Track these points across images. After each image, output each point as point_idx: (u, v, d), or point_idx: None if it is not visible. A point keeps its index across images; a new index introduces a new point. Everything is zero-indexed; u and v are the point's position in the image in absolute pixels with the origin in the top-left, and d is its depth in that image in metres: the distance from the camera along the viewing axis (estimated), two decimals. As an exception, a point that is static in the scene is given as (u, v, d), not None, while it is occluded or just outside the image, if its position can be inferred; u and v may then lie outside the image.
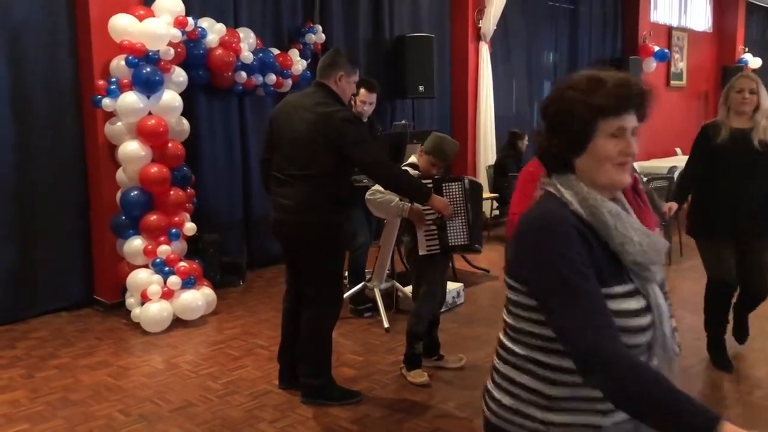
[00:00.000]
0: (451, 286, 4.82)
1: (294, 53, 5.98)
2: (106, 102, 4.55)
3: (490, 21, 7.72)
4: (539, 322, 1.35)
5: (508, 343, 1.45)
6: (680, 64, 11.30)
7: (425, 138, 3.65)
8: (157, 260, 4.54)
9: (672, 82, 11.02)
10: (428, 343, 3.77)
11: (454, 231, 3.50)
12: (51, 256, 4.78)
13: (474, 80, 7.90)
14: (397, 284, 4.78)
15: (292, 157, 3.21)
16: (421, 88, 6.89)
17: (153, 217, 4.60)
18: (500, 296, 4.46)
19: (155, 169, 4.57)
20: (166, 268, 4.54)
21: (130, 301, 4.62)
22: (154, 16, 4.66)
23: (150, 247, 4.56)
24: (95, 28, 4.68)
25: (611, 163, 1.37)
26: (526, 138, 7.48)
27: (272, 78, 5.66)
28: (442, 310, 3.92)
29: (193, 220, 4.89)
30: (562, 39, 9.36)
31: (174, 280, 4.50)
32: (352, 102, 4.58)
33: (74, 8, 4.79)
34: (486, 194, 6.95)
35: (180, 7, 4.77)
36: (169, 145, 4.67)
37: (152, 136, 4.56)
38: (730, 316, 3.81)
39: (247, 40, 5.48)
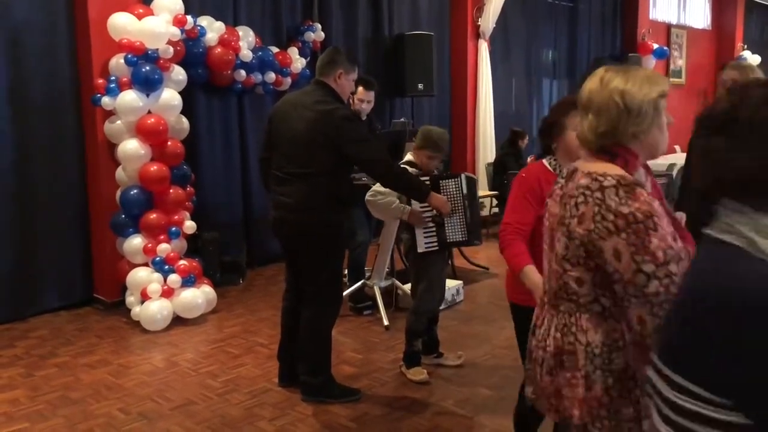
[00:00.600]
0: (451, 283, 4.83)
1: (293, 51, 5.98)
2: (106, 101, 4.55)
3: (489, 19, 7.72)
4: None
5: None
6: (679, 61, 11.30)
7: None
8: (157, 259, 4.54)
9: (671, 79, 11.01)
10: (427, 340, 3.77)
11: (452, 228, 3.50)
12: (51, 255, 4.79)
13: (473, 78, 7.90)
14: (397, 282, 4.79)
15: (292, 155, 3.21)
16: (420, 86, 6.89)
17: (153, 216, 4.60)
18: (499, 294, 4.47)
19: (155, 167, 4.57)
20: (166, 267, 4.54)
21: (130, 299, 4.62)
22: (153, 14, 4.66)
23: (150, 245, 4.57)
24: (94, 27, 4.68)
25: None
26: (527, 137, 7.50)
27: (271, 76, 5.66)
28: (441, 307, 3.92)
29: (192, 219, 4.90)
30: (562, 37, 9.36)
31: (174, 279, 4.50)
32: (351, 100, 4.58)
33: (73, 7, 4.79)
34: (485, 192, 6.97)
35: (179, 6, 4.77)
36: (169, 143, 4.68)
37: (152, 134, 4.56)
38: None
39: (246, 38, 5.48)
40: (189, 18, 4.79)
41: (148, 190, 4.63)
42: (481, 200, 3.85)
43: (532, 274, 2.17)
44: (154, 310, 4.41)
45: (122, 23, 4.55)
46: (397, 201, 3.51)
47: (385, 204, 3.53)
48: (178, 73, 4.79)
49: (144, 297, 4.46)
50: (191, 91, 5.22)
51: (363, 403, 3.34)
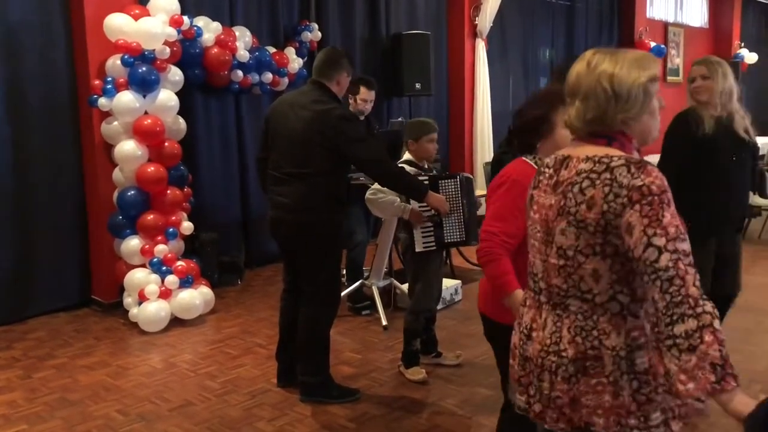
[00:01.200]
0: (449, 283, 4.83)
1: (290, 51, 5.97)
2: (102, 102, 4.54)
3: (486, 18, 7.71)
4: None
5: None
6: (677, 60, 11.30)
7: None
8: (155, 260, 4.53)
9: (668, 78, 11.02)
10: (426, 340, 3.77)
11: (450, 227, 3.50)
12: (48, 256, 4.78)
13: (470, 77, 7.89)
14: (395, 282, 4.79)
15: (289, 155, 3.21)
16: (417, 85, 6.88)
17: (150, 217, 4.59)
18: (498, 293, 4.46)
19: (152, 168, 4.56)
20: (164, 268, 4.53)
21: (128, 300, 4.61)
22: (149, 15, 4.65)
23: (147, 246, 4.56)
24: (90, 28, 4.67)
25: None
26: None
27: (268, 76, 5.65)
28: (439, 307, 3.92)
29: (190, 220, 4.89)
30: (559, 35, 9.36)
31: (172, 280, 4.50)
32: (353, 101, 4.58)
33: (69, 8, 4.77)
34: (483, 191, 6.95)
35: (175, 6, 4.76)
36: (166, 144, 4.67)
37: (149, 135, 4.55)
38: None
39: (243, 38, 5.47)
40: (185, 18, 4.79)
41: (145, 191, 4.62)
42: (479, 199, 3.83)
43: (519, 298, 1.90)
44: (152, 312, 4.41)
45: (118, 24, 4.54)
46: (398, 199, 3.50)
47: (386, 202, 3.53)
48: (175, 74, 4.79)
49: (142, 298, 4.45)
50: (188, 91, 5.21)
51: (362, 403, 3.34)
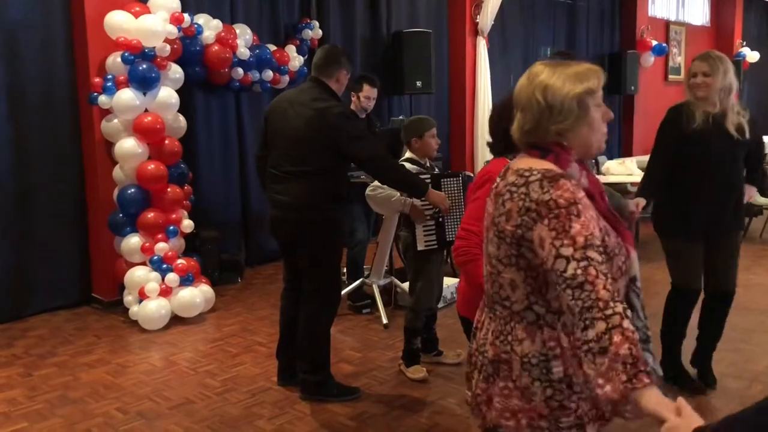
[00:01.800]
0: (450, 281, 4.82)
1: (291, 49, 5.96)
2: (103, 99, 4.53)
3: (487, 16, 7.70)
4: None
5: None
6: (678, 58, 11.28)
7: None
8: (155, 258, 4.53)
9: (670, 76, 11.01)
10: (426, 338, 3.76)
11: (451, 226, 3.49)
12: (48, 254, 4.78)
13: (472, 75, 7.88)
14: (396, 280, 4.78)
15: (289, 153, 3.20)
16: (418, 83, 6.87)
17: (150, 215, 4.59)
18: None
19: (152, 166, 4.56)
20: (164, 266, 4.53)
21: (128, 298, 4.61)
22: (149, 12, 4.64)
23: (147, 244, 4.55)
24: (91, 25, 4.66)
25: None
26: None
27: (269, 74, 5.65)
28: (440, 306, 3.92)
29: (190, 217, 4.89)
30: (560, 34, 9.34)
31: (172, 278, 4.49)
32: (355, 98, 4.57)
33: (70, 5, 4.77)
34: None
35: (176, 4, 4.76)
36: (166, 142, 4.66)
37: (149, 133, 4.55)
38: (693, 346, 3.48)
39: (244, 36, 5.46)
40: (186, 16, 4.78)
41: (145, 188, 4.62)
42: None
43: None
44: (152, 310, 4.40)
45: (119, 21, 4.53)
46: (398, 194, 3.50)
47: (385, 197, 3.52)
48: (175, 72, 4.78)
49: (142, 296, 4.45)
50: (188, 89, 5.21)
51: (362, 402, 3.34)
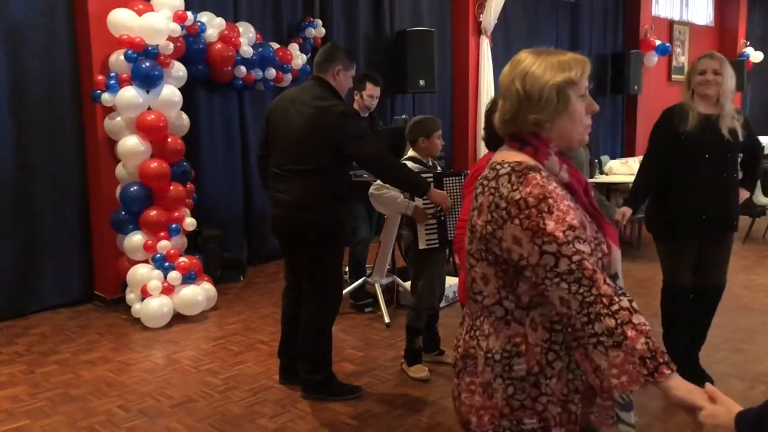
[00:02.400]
0: (452, 281, 4.81)
1: (294, 47, 5.96)
2: (106, 97, 4.54)
3: (490, 15, 7.69)
4: None
5: None
6: (682, 58, 11.25)
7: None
8: (158, 255, 4.53)
9: (673, 76, 10.98)
10: (428, 338, 3.76)
11: (453, 225, 3.48)
12: (51, 252, 4.78)
13: (475, 75, 7.87)
14: (398, 279, 4.78)
15: (291, 152, 3.19)
16: (421, 82, 6.87)
17: (153, 213, 4.59)
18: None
19: (155, 164, 4.56)
20: (167, 264, 4.53)
21: (131, 296, 4.61)
22: (153, 10, 4.64)
23: (150, 242, 4.56)
24: (94, 23, 4.67)
25: None
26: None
27: (272, 72, 5.65)
28: (442, 305, 3.91)
29: (193, 216, 4.89)
30: (563, 33, 9.32)
31: (174, 276, 4.50)
32: (358, 97, 4.57)
33: (73, 3, 4.77)
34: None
35: (179, 2, 4.75)
36: (169, 140, 4.66)
37: (152, 131, 4.55)
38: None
39: (247, 34, 5.47)
40: (189, 14, 4.78)
41: (148, 186, 4.62)
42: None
43: None
44: (155, 307, 4.41)
45: (122, 19, 4.54)
46: (402, 195, 3.49)
47: (389, 198, 3.51)
48: (179, 70, 4.78)
49: (144, 294, 4.45)
50: (191, 87, 5.21)
51: (364, 401, 3.34)
